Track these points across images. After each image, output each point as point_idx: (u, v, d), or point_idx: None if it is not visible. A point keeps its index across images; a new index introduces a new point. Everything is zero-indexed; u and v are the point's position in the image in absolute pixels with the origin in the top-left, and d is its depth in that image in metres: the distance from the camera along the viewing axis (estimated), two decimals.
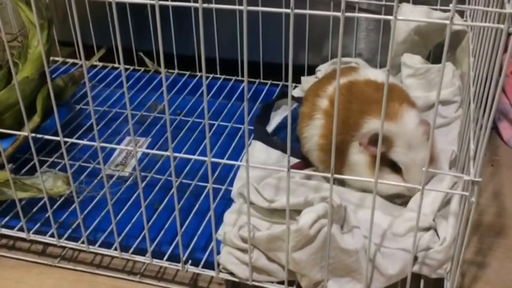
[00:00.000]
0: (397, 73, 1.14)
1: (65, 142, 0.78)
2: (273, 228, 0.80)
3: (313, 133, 0.93)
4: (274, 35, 1.29)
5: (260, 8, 0.62)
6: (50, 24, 1.12)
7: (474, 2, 0.99)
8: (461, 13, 1.12)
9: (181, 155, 0.75)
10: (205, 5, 0.61)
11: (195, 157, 0.75)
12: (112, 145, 0.80)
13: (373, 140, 0.83)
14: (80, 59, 0.66)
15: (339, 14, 0.59)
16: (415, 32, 1.08)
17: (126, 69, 1.40)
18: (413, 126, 0.84)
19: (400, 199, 0.89)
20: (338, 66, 0.61)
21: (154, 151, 0.77)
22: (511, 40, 0.78)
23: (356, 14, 0.61)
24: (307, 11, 0.60)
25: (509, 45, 0.57)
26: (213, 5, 0.62)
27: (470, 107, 0.85)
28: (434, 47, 1.14)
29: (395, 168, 0.85)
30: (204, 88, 0.65)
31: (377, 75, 0.95)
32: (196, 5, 0.61)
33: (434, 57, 1.16)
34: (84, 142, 0.83)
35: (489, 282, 0.87)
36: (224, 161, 0.74)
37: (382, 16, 0.61)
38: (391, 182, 0.79)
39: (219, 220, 0.90)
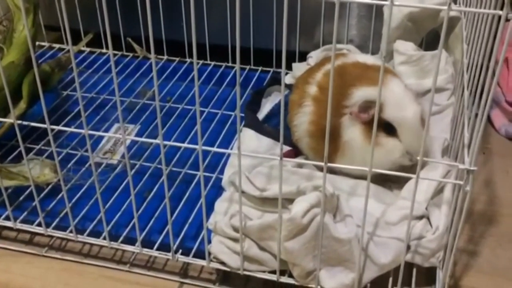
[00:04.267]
0: (389, 60, 1.13)
1: (52, 130, 0.76)
2: (265, 217, 0.79)
3: (302, 120, 0.92)
4: (265, 20, 1.27)
5: None
6: (35, 8, 1.09)
7: None
8: (454, 1, 1.11)
9: (171, 143, 0.74)
10: None
11: (186, 145, 0.74)
12: (101, 133, 0.78)
13: (363, 107, 0.83)
14: (67, 44, 0.65)
15: None
16: (408, 18, 1.06)
17: (114, 55, 1.37)
18: (400, 88, 0.86)
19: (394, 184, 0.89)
20: (333, 55, 0.60)
21: (143, 139, 0.75)
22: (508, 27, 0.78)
23: (351, 0, 0.59)
24: None
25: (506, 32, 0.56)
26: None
27: (464, 94, 0.84)
28: (427, 34, 1.13)
29: (390, 131, 0.85)
30: (195, 74, 0.64)
31: (366, 58, 0.94)
32: None
33: (426, 43, 1.15)
34: (72, 129, 0.81)
35: (481, 270, 0.86)
36: (215, 149, 0.73)
37: (378, 1, 0.59)
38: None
39: (210, 209, 0.88)
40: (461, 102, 0.88)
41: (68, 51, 1.35)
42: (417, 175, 0.64)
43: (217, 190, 0.97)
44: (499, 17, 0.55)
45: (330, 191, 0.75)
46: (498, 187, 1.03)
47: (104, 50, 1.38)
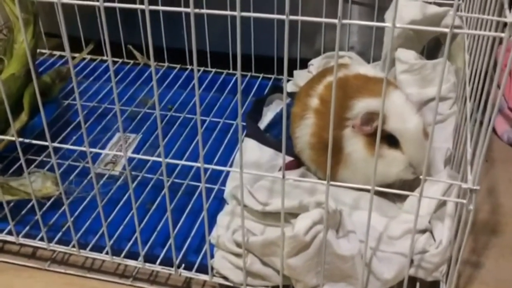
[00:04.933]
0: (390, 68, 1.13)
1: (54, 145, 0.76)
2: (267, 233, 0.79)
3: (304, 132, 0.92)
4: (266, 27, 1.27)
5: (252, 14, 0.60)
6: (35, 18, 1.09)
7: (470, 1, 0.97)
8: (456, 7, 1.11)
9: (173, 161, 0.74)
10: (197, 10, 0.59)
11: (187, 162, 0.74)
12: (101, 150, 0.78)
13: (365, 119, 0.83)
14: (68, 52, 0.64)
15: (335, 21, 0.57)
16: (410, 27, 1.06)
17: (115, 62, 1.37)
18: (402, 99, 0.85)
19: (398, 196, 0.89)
20: (335, 74, 0.60)
21: (145, 157, 0.75)
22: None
23: (352, 21, 0.59)
24: (300, 17, 0.58)
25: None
26: (205, 11, 0.60)
27: (466, 105, 0.84)
28: (428, 41, 1.13)
29: (393, 143, 0.84)
30: (195, 83, 0.63)
31: (367, 70, 0.94)
32: (188, 10, 0.59)
33: (428, 51, 1.15)
34: (72, 147, 0.80)
35: (484, 282, 0.86)
36: (217, 167, 0.73)
37: (379, 24, 0.59)
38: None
39: (212, 221, 0.89)
40: (463, 114, 0.88)
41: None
42: (420, 193, 0.64)
43: (219, 201, 0.97)
44: (504, 24, 0.54)
45: (333, 208, 0.75)
46: (501, 196, 1.03)
47: (105, 58, 1.38)
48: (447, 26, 1.06)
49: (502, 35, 0.54)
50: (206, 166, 0.70)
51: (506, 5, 0.59)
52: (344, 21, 0.57)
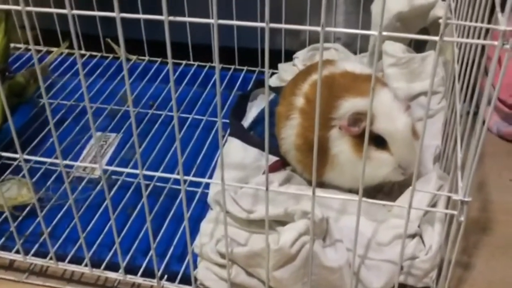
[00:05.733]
0: (378, 61, 1.09)
1: (24, 157, 0.72)
2: (252, 243, 0.77)
3: (289, 133, 0.89)
4: (248, 18, 1.22)
5: (233, 22, 0.56)
6: (7, 15, 1.04)
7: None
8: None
9: (151, 173, 0.70)
10: (171, 18, 0.56)
11: (165, 174, 0.71)
12: (74, 163, 0.74)
13: (352, 120, 0.80)
14: (42, 44, 0.61)
15: (318, 28, 0.53)
16: (397, 18, 1.02)
17: (93, 56, 1.32)
18: (390, 98, 0.83)
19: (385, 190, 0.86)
20: (319, 76, 0.56)
21: (120, 169, 0.72)
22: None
23: (335, 29, 0.55)
24: (282, 26, 0.55)
25: None
26: (183, 18, 0.56)
27: (455, 105, 0.81)
28: (416, 32, 1.09)
29: (381, 144, 0.82)
30: (171, 80, 0.60)
31: (354, 66, 0.91)
32: (162, 18, 0.56)
33: (416, 42, 1.11)
34: (44, 159, 0.76)
35: (475, 284, 0.84)
36: (197, 179, 0.70)
37: (365, 32, 0.55)
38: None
39: (195, 226, 0.86)
40: (452, 111, 0.85)
41: (45, 53, 1.31)
42: (409, 204, 0.61)
43: (203, 205, 0.94)
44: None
45: (319, 217, 0.72)
46: (491, 191, 1.01)
47: (82, 51, 1.33)
48: (436, 17, 1.03)
49: (495, 43, 0.50)
50: (186, 178, 0.67)
51: (498, 8, 0.56)
52: (328, 29, 0.54)
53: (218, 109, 0.61)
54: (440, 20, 0.50)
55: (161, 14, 1.27)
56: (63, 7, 0.57)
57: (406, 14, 1.02)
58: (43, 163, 1.01)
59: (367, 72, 0.90)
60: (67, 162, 0.72)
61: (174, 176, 0.68)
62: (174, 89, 0.61)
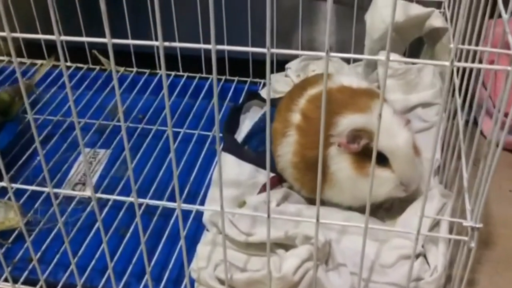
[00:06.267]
0: (373, 71, 1.07)
1: (14, 186, 0.69)
2: (251, 267, 0.74)
3: (286, 150, 0.86)
4: (239, 28, 1.20)
5: (229, 48, 0.53)
6: None
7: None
8: (439, 4, 1.06)
9: (145, 200, 0.67)
10: (167, 43, 0.53)
11: (162, 202, 0.68)
12: (63, 191, 0.71)
13: (351, 137, 0.78)
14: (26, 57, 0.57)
15: (323, 54, 0.51)
16: (393, 29, 1.00)
17: (80, 69, 1.29)
18: (389, 113, 0.80)
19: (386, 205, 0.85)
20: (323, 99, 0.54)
21: (113, 197, 0.68)
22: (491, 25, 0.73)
23: (337, 54, 0.53)
24: (282, 51, 0.52)
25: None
26: (176, 44, 0.53)
27: (458, 120, 0.79)
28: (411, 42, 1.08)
29: (381, 161, 0.79)
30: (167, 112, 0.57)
31: (351, 80, 0.88)
32: (156, 43, 0.53)
33: (410, 52, 1.09)
34: (32, 187, 0.73)
35: None
36: (196, 206, 0.67)
37: (371, 57, 0.53)
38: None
39: (191, 246, 0.83)
40: (453, 127, 0.83)
41: (29, 65, 1.27)
42: (417, 232, 0.59)
43: (198, 223, 0.91)
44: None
45: (322, 241, 0.70)
46: (491, 204, 0.99)
47: (68, 64, 1.29)
48: (431, 27, 1.01)
49: (509, 68, 0.48)
50: (184, 206, 0.64)
51: (507, 28, 0.54)
52: (333, 54, 0.51)
53: (216, 127, 0.58)
54: (451, 45, 0.47)
55: (147, 24, 1.24)
56: (49, 18, 0.53)
57: (401, 24, 1.00)
58: (31, 184, 0.98)
59: (364, 86, 0.87)
60: (56, 190, 0.68)
61: (171, 204, 0.65)
62: (168, 106, 0.57)
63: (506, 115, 1.12)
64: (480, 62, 1.08)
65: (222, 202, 0.62)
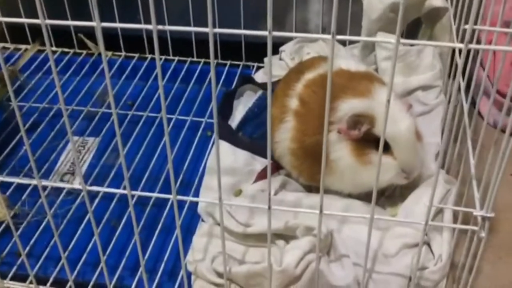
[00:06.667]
0: (370, 53, 1.04)
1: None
2: (249, 258, 0.72)
3: (284, 137, 0.83)
4: (231, 10, 1.16)
5: (232, 31, 0.50)
6: None
7: None
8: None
9: (139, 193, 0.64)
10: (160, 27, 0.49)
11: (157, 194, 0.64)
12: (56, 184, 0.68)
13: (351, 123, 0.75)
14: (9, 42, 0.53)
15: (328, 37, 0.47)
16: (391, 9, 0.97)
17: (66, 53, 1.24)
18: (391, 98, 0.76)
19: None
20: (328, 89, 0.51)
21: (109, 189, 0.65)
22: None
23: (346, 37, 0.50)
24: (284, 34, 0.49)
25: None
26: (173, 27, 0.50)
27: (463, 105, 0.77)
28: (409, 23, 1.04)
29: (383, 148, 0.76)
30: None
31: (348, 63, 0.85)
32: (150, 27, 0.49)
33: (407, 33, 1.06)
34: (20, 180, 0.69)
35: None
36: (192, 198, 0.64)
37: (380, 39, 0.50)
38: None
39: (186, 237, 0.81)
40: (456, 109, 0.80)
41: (13, 50, 1.23)
42: (426, 221, 0.57)
43: (193, 213, 0.88)
44: None
45: (324, 232, 0.67)
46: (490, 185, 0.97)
47: (54, 48, 1.24)
48: (431, 6, 0.98)
49: None
50: (180, 198, 0.61)
51: None
52: (339, 37, 0.48)
53: (215, 117, 0.55)
54: (465, 26, 0.44)
55: (135, 6, 1.19)
56: (32, 1, 0.49)
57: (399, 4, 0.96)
58: (17, 174, 0.94)
59: (362, 70, 0.84)
60: (45, 183, 0.65)
61: (166, 196, 0.62)
62: (163, 90, 0.54)
63: (498, 92, 1.10)
64: (478, 42, 1.05)
65: (221, 194, 0.59)
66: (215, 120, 0.54)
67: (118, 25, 0.52)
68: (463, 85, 0.76)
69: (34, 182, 0.64)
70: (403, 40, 0.47)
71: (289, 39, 1.13)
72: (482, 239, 0.57)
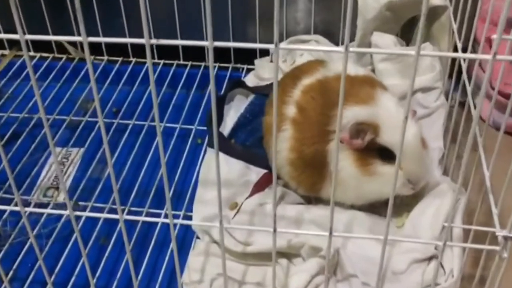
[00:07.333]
0: (365, 54, 1.00)
1: None
2: (249, 278, 0.67)
3: (281, 147, 0.78)
4: (220, 9, 1.11)
5: (231, 44, 0.45)
6: None
7: None
8: None
9: (132, 217, 0.59)
10: (154, 41, 0.45)
11: (148, 218, 0.59)
12: (44, 210, 0.62)
13: (354, 131, 0.71)
14: None
15: (341, 49, 0.43)
16: (387, 8, 0.93)
17: (45, 58, 1.18)
18: (394, 104, 0.74)
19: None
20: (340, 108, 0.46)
21: (99, 215, 0.60)
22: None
23: (359, 49, 0.45)
24: (293, 47, 0.44)
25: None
26: (164, 41, 0.45)
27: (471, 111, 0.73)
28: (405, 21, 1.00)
29: (387, 157, 0.73)
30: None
31: (347, 67, 0.81)
32: (142, 41, 0.45)
33: (403, 32, 1.02)
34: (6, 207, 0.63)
35: None
36: (189, 222, 0.59)
37: (400, 51, 0.46)
38: None
39: (181, 253, 0.76)
40: (464, 114, 0.77)
41: None
42: (444, 242, 0.53)
43: (186, 229, 0.83)
44: None
45: (332, 252, 0.63)
46: (495, 191, 0.94)
47: (32, 53, 1.18)
48: (430, 5, 0.94)
49: None
50: (177, 221, 0.56)
51: None
52: (352, 50, 0.44)
53: (215, 137, 0.50)
54: (493, 36, 0.40)
55: (118, 9, 1.13)
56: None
57: (396, 3, 0.92)
58: None
59: (361, 73, 0.80)
60: (30, 209, 0.60)
61: (163, 220, 0.57)
62: (156, 95, 0.49)
63: (498, 92, 1.07)
64: (475, 39, 1.02)
65: (222, 218, 0.55)
66: (215, 135, 0.49)
67: (106, 39, 0.47)
68: (469, 89, 0.73)
69: (15, 208, 0.58)
70: (423, 52, 0.43)
71: (280, 39, 1.08)
72: (504, 260, 0.53)
